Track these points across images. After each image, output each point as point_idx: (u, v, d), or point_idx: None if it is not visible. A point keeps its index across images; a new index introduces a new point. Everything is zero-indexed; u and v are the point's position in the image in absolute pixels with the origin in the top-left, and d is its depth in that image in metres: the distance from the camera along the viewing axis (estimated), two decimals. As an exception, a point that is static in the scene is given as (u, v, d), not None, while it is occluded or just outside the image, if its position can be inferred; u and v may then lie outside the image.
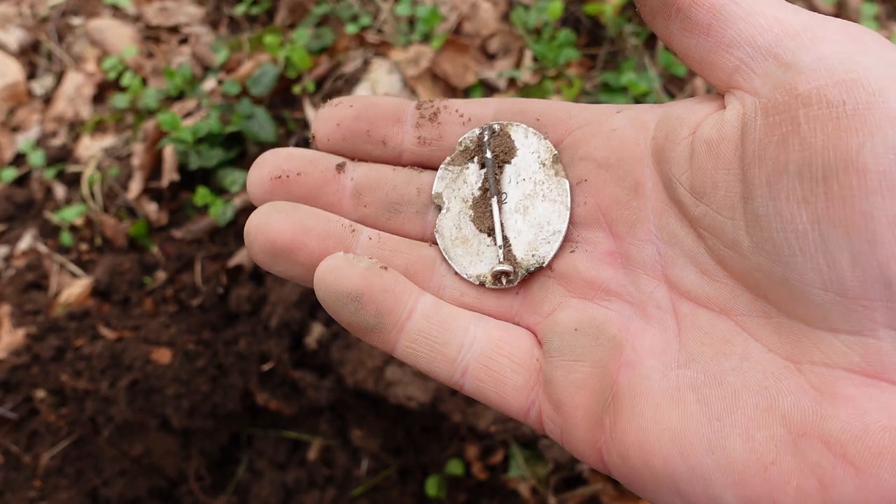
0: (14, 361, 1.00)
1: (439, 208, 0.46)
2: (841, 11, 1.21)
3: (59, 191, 1.21)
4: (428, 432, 1.09)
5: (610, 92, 1.08)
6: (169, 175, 1.14)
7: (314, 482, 1.09)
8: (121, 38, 1.40)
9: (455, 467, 1.04)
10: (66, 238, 1.15)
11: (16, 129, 1.32)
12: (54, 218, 1.17)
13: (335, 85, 1.19)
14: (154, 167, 1.18)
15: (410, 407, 0.98)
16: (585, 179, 0.43)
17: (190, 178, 1.17)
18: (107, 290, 1.10)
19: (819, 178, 0.30)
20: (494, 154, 0.45)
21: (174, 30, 1.42)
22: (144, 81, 1.32)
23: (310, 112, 1.18)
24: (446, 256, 0.44)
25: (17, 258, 1.14)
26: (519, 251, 0.43)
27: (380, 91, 1.15)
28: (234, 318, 1.11)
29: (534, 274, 0.43)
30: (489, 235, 0.44)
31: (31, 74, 1.41)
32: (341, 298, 0.39)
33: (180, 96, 1.27)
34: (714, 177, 0.35)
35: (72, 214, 1.16)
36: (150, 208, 1.15)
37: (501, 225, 0.44)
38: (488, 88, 1.15)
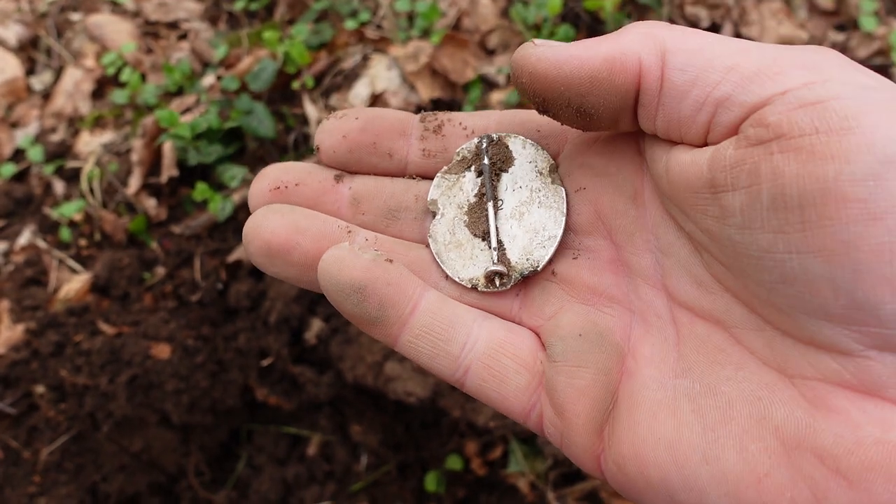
0: (13, 357, 1.00)
1: (434, 215, 0.46)
2: (841, 7, 1.21)
3: (59, 186, 1.21)
4: (427, 428, 1.09)
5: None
6: (168, 171, 1.14)
7: (314, 477, 1.09)
8: (120, 33, 1.40)
9: (454, 463, 1.05)
10: (65, 233, 1.15)
11: (15, 125, 1.31)
12: (53, 213, 1.17)
13: (334, 80, 1.19)
14: (153, 163, 1.18)
15: (410, 402, 0.99)
16: (584, 187, 0.43)
17: (189, 173, 1.16)
18: (106, 285, 1.10)
19: (794, 206, 0.29)
20: (492, 162, 0.45)
21: (173, 25, 1.42)
22: (143, 77, 1.32)
23: (309, 107, 1.18)
24: (438, 260, 0.44)
25: (16, 254, 1.14)
26: (513, 255, 0.43)
27: (379, 87, 1.15)
28: (234, 314, 1.11)
29: (535, 278, 0.43)
30: (483, 240, 0.44)
31: (31, 70, 1.41)
32: (344, 289, 0.39)
33: (179, 92, 1.27)
34: (694, 199, 0.35)
35: (71, 210, 1.16)
36: (150, 204, 1.15)
37: (496, 228, 0.44)
38: (487, 84, 1.15)
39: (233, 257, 1.11)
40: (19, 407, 1.00)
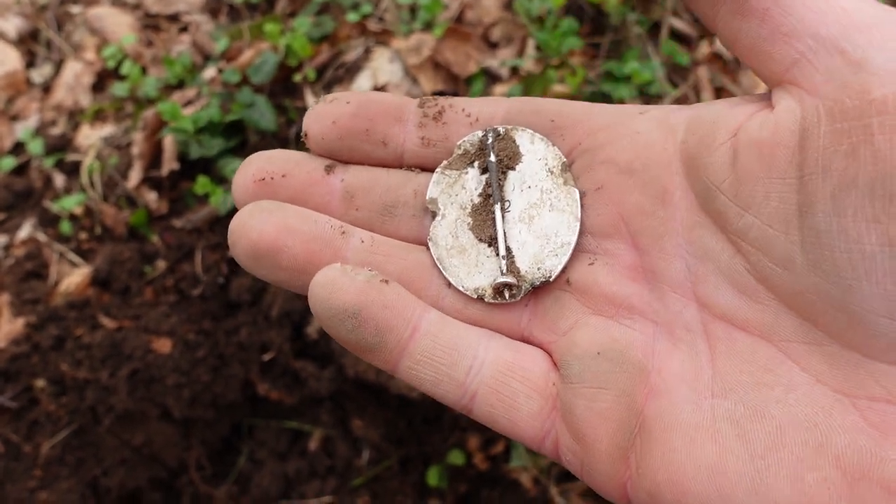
0: (14, 350, 1.00)
1: (434, 215, 0.42)
2: None
3: (59, 180, 1.21)
4: (429, 422, 1.08)
5: (613, 81, 1.08)
6: (169, 164, 1.14)
7: (315, 472, 1.09)
8: (120, 26, 1.39)
9: (456, 457, 1.04)
10: (65, 227, 1.14)
11: (15, 118, 1.31)
12: (54, 207, 1.17)
13: (336, 73, 1.19)
14: (154, 156, 1.18)
15: (411, 397, 0.98)
16: (605, 186, 0.39)
17: (190, 167, 1.16)
18: (107, 279, 1.10)
19: (894, 195, 0.27)
20: (498, 158, 0.42)
21: (174, 18, 1.42)
22: (144, 70, 1.31)
23: (311, 101, 1.17)
24: (440, 267, 0.41)
25: (16, 247, 1.14)
26: (523, 263, 0.40)
27: (381, 80, 1.15)
28: (235, 308, 1.11)
29: (547, 287, 0.40)
30: (490, 245, 0.41)
31: (30, 63, 1.40)
32: (338, 315, 0.36)
33: (180, 85, 1.26)
34: (766, 185, 0.31)
35: (71, 203, 1.15)
36: (150, 197, 1.15)
37: (504, 234, 0.41)
38: (490, 77, 1.14)
39: (234, 251, 1.11)
40: (20, 401, 1.00)
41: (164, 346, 1.02)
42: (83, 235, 1.15)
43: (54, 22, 1.43)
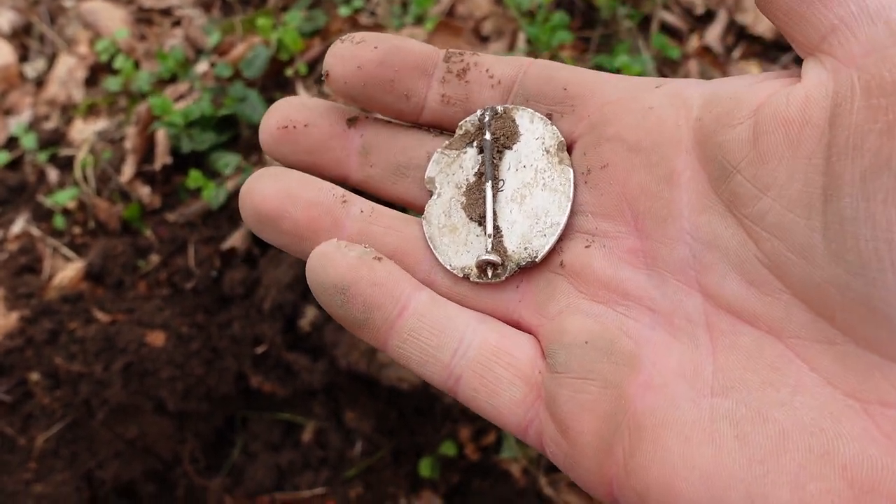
0: (8, 345, 1.00)
1: (430, 193, 0.42)
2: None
3: (52, 174, 1.21)
4: (421, 414, 1.09)
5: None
6: (161, 158, 1.14)
7: (308, 464, 1.10)
8: (113, 20, 1.39)
9: (448, 448, 1.05)
10: (59, 221, 1.15)
11: (8, 113, 1.31)
12: (47, 201, 1.17)
13: (328, 68, 1.19)
14: (147, 150, 1.18)
15: (403, 388, 0.99)
16: (610, 164, 0.37)
17: (183, 161, 1.16)
18: (100, 273, 1.10)
19: None
20: (495, 137, 0.41)
21: (167, 12, 1.42)
22: (137, 64, 1.31)
23: (302, 94, 1.18)
24: (431, 245, 0.41)
25: (10, 242, 1.14)
26: (511, 243, 0.39)
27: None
28: (228, 301, 1.12)
29: (539, 269, 0.39)
30: (480, 224, 0.40)
31: (23, 57, 1.40)
32: (328, 290, 0.36)
33: (173, 79, 1.27)
34: (791, 166, 0.29)
35: (65, 198, 1.16)
36: (144, 191, 1.15)
37: (494, 213, 0.40)
38: (481, 71, 1.15)
39: (227, 245, 1.11)
40: (14, 394, 1.01)
41: (157, 339, 1.03)
42: (77, 230, 1.15)
43: (47, 16, 1.43)
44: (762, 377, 0.30)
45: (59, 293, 1.07)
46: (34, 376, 1.00)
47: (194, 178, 1.09)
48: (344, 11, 1.22)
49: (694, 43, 1.17)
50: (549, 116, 0.41)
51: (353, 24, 1.22)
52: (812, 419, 0.28)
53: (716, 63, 1.16)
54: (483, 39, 1.18)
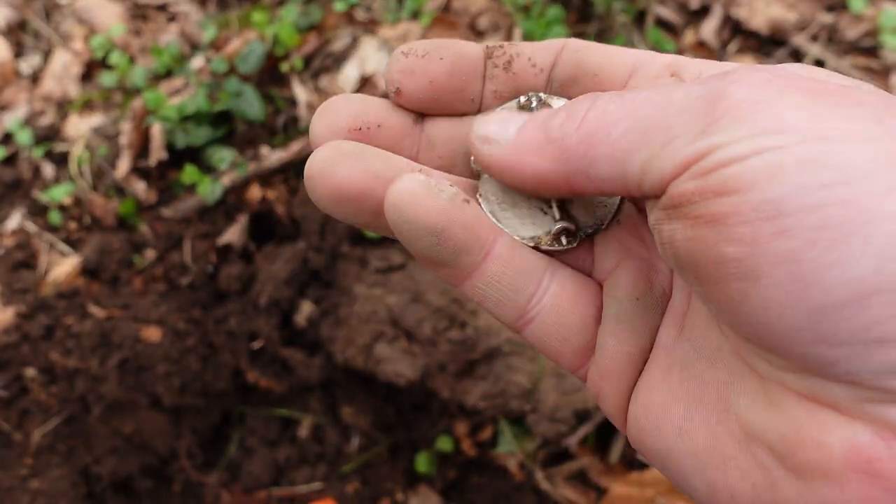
0: (4, 340, 1.00)
1: (479, 174, 0.42)
2: (831, -12, 1.21)
3: (48, 170, 1.21)
4: (418, 409, 1.09)
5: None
6: (157, 154, 1.14)
7: (305, 459, 1.10)
8: (108, 16, 1.39)
9: (444, 443, 1.05)
10: (54, 217, 1.15)
11: (3, 109, 1.31)
12: (43, 197, 1.17)
13: (324, 62, 1.19)
14: (142, 146, 1.18)
15: (399, 384, 0.99)
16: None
17: (178, 156, 1.16)
18: (96, 268, 1.10)
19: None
20: None
21: (162, 8, 1.41)
22: (132, 60, 1.31)
23: (298, 90, 1.17)
24: (495, 220, 0.41)
25: (5, 237, 1.14)
26: (575, 211, 0.41)
27: (368, 69, 1.15)
28: (224, 297, 1.12)
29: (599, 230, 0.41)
30: (539, 199, 0.41)
31: (19, 53, 1.40)
32: (419, 231, 0.36)
33: (168, 74, 1.27)
34: None
35: (60, 193, 1.16)
36: (139, 187, 1.15)
37: None
38: (477, 66, 1.15)
39: (223, 240, 1.11)
40: (10, 390, 1.01)
41: (153, 334, 1.03)
42: (72, 225, 1.15)
43: (42, 12, 1.43)
44: (702, 331, 0.35)
45: (54, 289, 1.07)
46: (30, 372, 1.00)
47: (190, 173, 1.09)
48: (340, 7, 1.22)
49: (689, 37, 1.17)
50: None
51: (349, 19, 1.22)
52: (724, 373, 0.33)
53: (711, 57, 1.16)
54: (479, 34, 1.18)
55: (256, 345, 1.09)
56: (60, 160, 1.22)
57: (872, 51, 1.16)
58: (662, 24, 1.19)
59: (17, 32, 1.42)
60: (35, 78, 1.36)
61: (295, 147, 1.12)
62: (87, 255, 1.10)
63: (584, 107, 0.34)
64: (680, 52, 1.14)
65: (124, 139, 1.17)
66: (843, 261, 0.26)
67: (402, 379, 0.99)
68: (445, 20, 1.15)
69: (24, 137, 1.23)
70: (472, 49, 0.41)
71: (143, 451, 1.05)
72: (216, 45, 1.28)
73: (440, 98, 0.41)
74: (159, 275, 1.11)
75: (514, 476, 1.02)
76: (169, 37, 1.33)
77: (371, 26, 1.20)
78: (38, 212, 1.18)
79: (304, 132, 1.14)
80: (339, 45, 1.18)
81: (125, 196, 1.15)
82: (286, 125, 1.17)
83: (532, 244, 0.41)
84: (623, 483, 0.97)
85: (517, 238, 0.41)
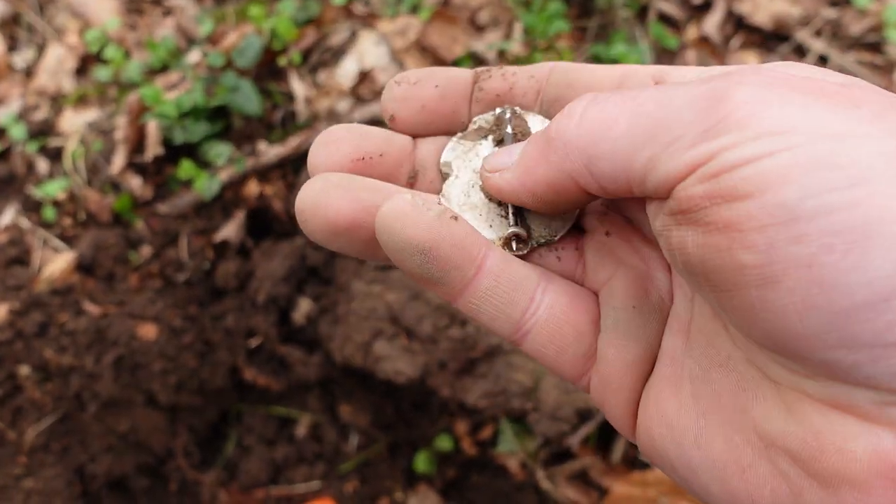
0: (-3, 337, 0.99)
1: (446, 177, 0.44)
2: (834, -17, 1.20)
3: (42, 165, 1.19)
4: (417, 408, 1.08)
5: (600, 64, 1.07)
6: (153, 149, 1.13)
7: (303, 458, 1.09)
8: (103, 9, 1.38)
9: (444, 442, 1.04)
10: (48, 213, 1.13)
11: (-3, 103, 1.29)
12: (37, 192, 1.15)
13: (322, 57, 1.18)
14: (138, 141, 1.17)
15: (399, 382, 0.98)
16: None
17: (174, 151, 1.15)
18: (91, 265, 1.09)
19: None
20: (514, 133, 0.44)
21: (158, 1, 1.40)
22: (127, 54, 1.30)
23: (296, 84, 1.16)
24: None
25: (-1, 233, 1.13)
26: (531, 221, 0.42)
27: (367, 63, 1.14)
28: (221, 294, 1.10)
29: (589, 237, 0.42)
30: (499, 205, 0.43)
31: (12, 47, 1.38)
32: (407, 249, 0.36)
33: (164, 69, 1.25)
34: None
35: (54, 189, 1.14)
36: (135, 182, 1.14)
37: None
38: (477, 61, 1.13)
39: (220, 236, 1.10)
40: (4, 388, 0.99)
41: (149, 332, 1.01)
42: (67, 221, 1.14)
43: (36, 5, 1.41)
44: (709, 341, 0.35)
45: (48, 285, 1.05)
46: (24, 369, 0.99)
47: (186, 168, 1.07)
48: (338, 0, 1.20)
49: (692, 32, 1.16)
50: None
51: (348, 14, 1.21)
52: (737, 381, 0.33)
53: (713, 52, 1.15)
54: (479, 29, 1.17)
55: (254, 342, 1.08)
56: (55, 155, 1.21)
57: (877, 46, 1.15)
58: (665, 18, 1.18)
59: (11, 26, 1.40)
60: (29, 72, 1.34)
61: (293, 142, 1.10)
62: (81, 251, 1.08)
63: (581, 105, 0.34)
64: (682, 47, 1.13)
65: (119, 134, 1.15)
66: (861, 264, 0.26)
67: (402, 377, 0.98)
68: (445, 14, 1.14)
69: (17, 132, 1.22)
70: (461, 74, 0.43)
71: (138, 449, 1.04)
72: (213, 40, 1.26)
73: (434, 121, 0.43)
74: (155, 271, 1.10)
75: (515, 475, 1.01)
76: (165, 31, 1.32)
77: (370, 20, 1.19)
78: (32, 207, 1.16)
79: (302, 127, 1.13)
80: (337, 39, 1.17)
81: (120, 192, 1.14)
82: (284, 120, 1.16)
83: None
84: (625, 483, 0.96)
85: None
